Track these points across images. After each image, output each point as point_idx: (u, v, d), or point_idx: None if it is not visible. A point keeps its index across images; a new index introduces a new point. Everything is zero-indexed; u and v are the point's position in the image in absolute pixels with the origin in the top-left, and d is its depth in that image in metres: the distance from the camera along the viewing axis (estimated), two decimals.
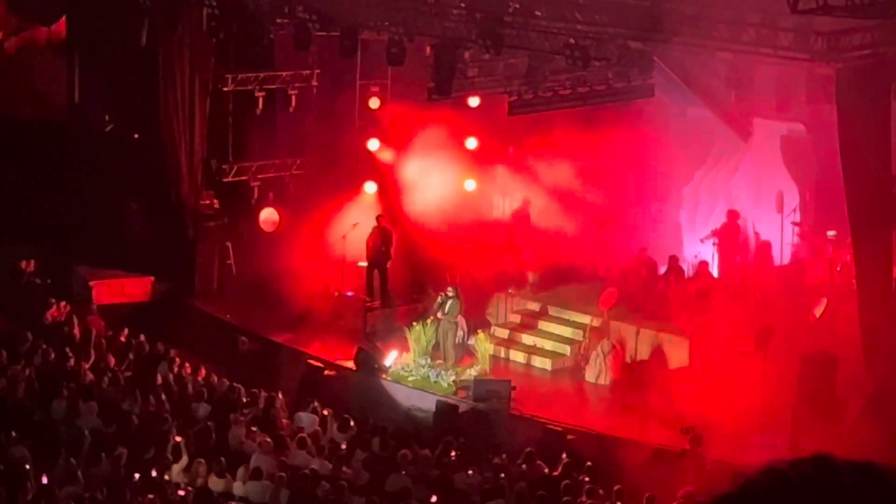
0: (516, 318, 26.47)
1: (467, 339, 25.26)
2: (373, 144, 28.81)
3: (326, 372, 24.95)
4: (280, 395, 22.60)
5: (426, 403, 23.74)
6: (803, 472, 3.65)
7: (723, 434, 21.98)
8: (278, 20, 26.12)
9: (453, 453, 20.36)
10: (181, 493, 17.86)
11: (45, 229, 28.54)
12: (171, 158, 28.28)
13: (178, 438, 19.31)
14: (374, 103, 28.89)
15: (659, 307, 25.29)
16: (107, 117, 29.61)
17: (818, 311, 22.86)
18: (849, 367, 21.08)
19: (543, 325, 26.07)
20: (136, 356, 23.84)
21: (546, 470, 20.31)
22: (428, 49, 25.82)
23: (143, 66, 27.86)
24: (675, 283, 25.23)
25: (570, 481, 19.67)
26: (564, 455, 20.81)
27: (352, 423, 21.61)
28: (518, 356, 25.54)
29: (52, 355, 22.98)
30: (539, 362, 25.31)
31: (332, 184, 28.47)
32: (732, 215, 26.89)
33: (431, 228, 28.54)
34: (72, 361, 22.84)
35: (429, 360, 24.77)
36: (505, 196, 29.25)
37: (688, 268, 25.85)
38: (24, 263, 27.48)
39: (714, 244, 26.60)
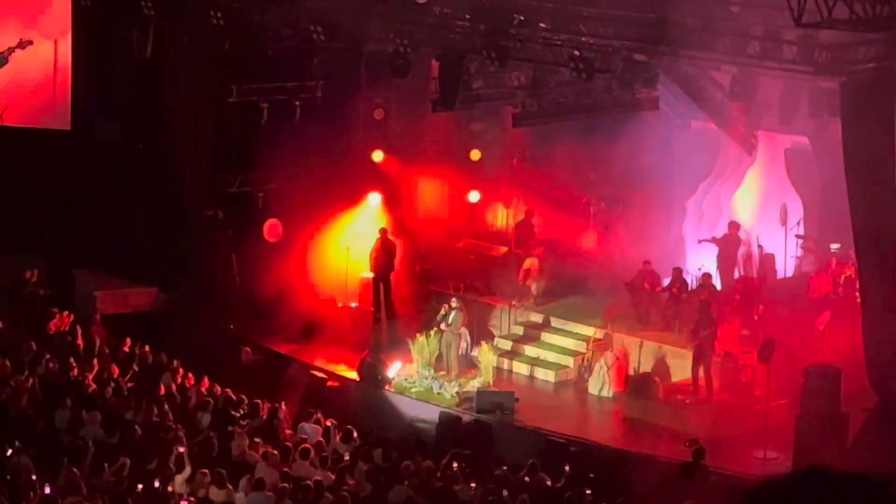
0: (519, 330, 26.47)
1: (471, 351, 25.26)
2: (377, 156, 28.85)
3: (330, 383, 24.96)
4: (283, 406, 22.60)
5: (429, 415, 23.74)
6: (800, 484, 3.66)
7: (726, 447, 21.98)
8: (283, 31, 26.17)
9: (456, 465, 20.34)
10: (184, 503, 17.88)
11: (49, 239, 28.58)
12: (175, 169, 28.32)
13: (181, 449, 19.30)
14: (378, 114, 28.92)
15: (662, 319, 25.31)
16: (112, 127, 29.62)
17: (822, 325, 22.84)
18: (852, 380, 21.05)
19: (547, 337, 26.06)
20: (140, 366, 23.84)
21: (549, 482, 20.29)
22: (433, 61, 25.88)
23: (147, 77, 27.88)
24: (679, 295, 25.22)
25: (573, 493, 19.64)
26: (567, 467, 20.79)
27: (355, 435, 21.60)
28: (521, 368, 25.54)
29: (56, 365, 22.99)
30: (542, 374, 25.31)
31: (337, 195, 28.49)
32: (734, 226, 26.92)
33: (435, 239, 28.60)
34: (75, 371, 22.85)
35: (432, 372, 24.78)
36: (508, 207, 29.26)
37: (692, 280, 25.84)
38: (28, 273, 27.53)
39: (714, 253, 26.66)
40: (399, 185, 28.74)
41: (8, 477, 17.58)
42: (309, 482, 18.63)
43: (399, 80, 25.39)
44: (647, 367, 24.45)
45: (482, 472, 20.36)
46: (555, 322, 26.26)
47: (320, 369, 25.38)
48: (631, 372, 24.36)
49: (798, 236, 27.02)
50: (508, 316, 26.63)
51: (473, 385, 24.31)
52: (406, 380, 24.64)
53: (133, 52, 27.40)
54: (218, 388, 23.27)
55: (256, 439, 20.68)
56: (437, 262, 28.37)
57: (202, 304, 28.20)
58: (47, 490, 17.15)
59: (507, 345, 26.05)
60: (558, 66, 23.24)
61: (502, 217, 29.23)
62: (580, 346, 25.47)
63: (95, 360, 23.62)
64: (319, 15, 24.83)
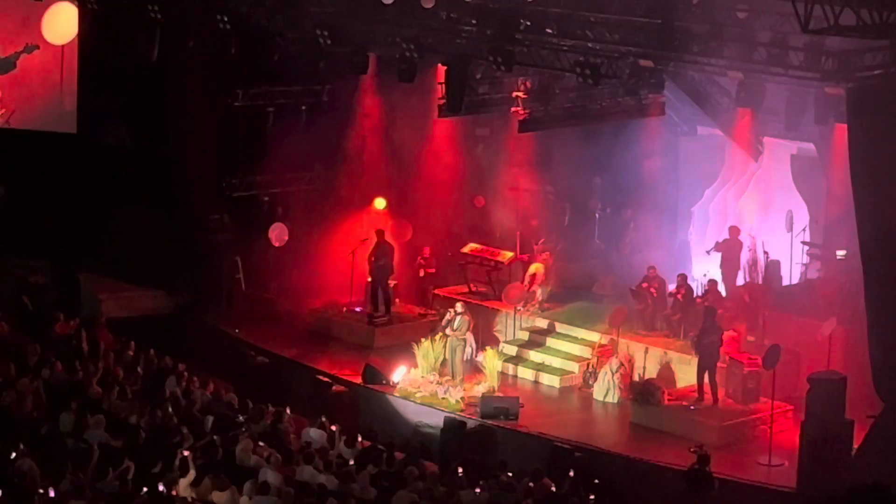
0: (524, 335, 26.48)
1: (475, 356, 25.25)
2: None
3: (335, 387, 24.96)
4: (288, 410, 22.58)
5: (434, 420, 23.74)
6: (863, 500, 3.66)
7: (731, 453, 21.96)
8: (289, 35, 26.19)
9: (460, 470, 20.32)
10: None
11: (54, 242, 28.59)
12: (181, 172, 28.32)
13: (186, 453, 19.29)
14: (384, 119, 28.89)
15: (668, 325, 25.31)
16: (118, 131, 29.63)
17: (827, 331, 22.82)
18: (858, 387, 21.02)
19: (552, 343, 26.06)
20: (145, 370, 23.83)
21: (553, 487, 20.27)
22: (439, 65, 25.89)
23: (154, 81, 27.91)
24: (685, 301, 25.21)
25: (578, 499, 19.63)
26: (572, 472, 20.77)
27: (359, 439, 21.59)
28: (526, 373, 25.55)
29: (61, 368, 22.99)
30: (547, 379, 25.31)
31: (342, 199, 28.50)
32: (734, 231, 26.92)
33: (440, 244, 28.60)
34: (80, 375, 22.84)
35: (437, 377, 24.77)
36: (514, 213, 29.25)
37: (697, 286, 25.83)
38: (33, 276, 27.53)
39: (719, 259, 26.65)
40: (404, 190, 28.73)
41: (13, 480, 17.57)
42: (313, 486, 18.63)
43: (405, 84, 25.35)
44: (652, 372, 24.45)
45: (487, 477, 20.33)
46: (560, 327, 26.27)
47: (325, 374, 25.37)
48: (636, 378, 24.34)
49: (804, 243, 27.00)
50: (514, 321, 26.63)
51: (478, 390, 24.31)
52: (410, 384, 24.64)
53: (139, 56, 27.42)
54: (223, 392, 23.26)
55: (261, 443, 20.67)
56: (441, 267, 28.38)
57: (207, 307, 28.22)
58: (52, 494, 17.14)
59: (512, 350, 26.05)
60: (564, 71, 23.23)
61: (507, 223, 29.17)
62: (585, 352, 25.47)
63: (100, 364, 23.62)
64: (325, 19, 24.84)
